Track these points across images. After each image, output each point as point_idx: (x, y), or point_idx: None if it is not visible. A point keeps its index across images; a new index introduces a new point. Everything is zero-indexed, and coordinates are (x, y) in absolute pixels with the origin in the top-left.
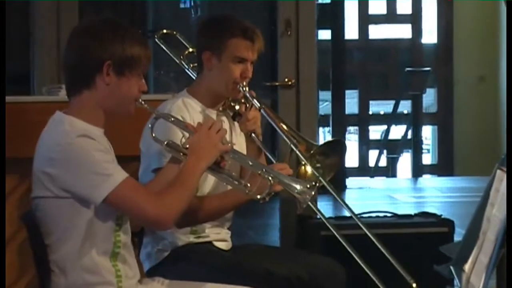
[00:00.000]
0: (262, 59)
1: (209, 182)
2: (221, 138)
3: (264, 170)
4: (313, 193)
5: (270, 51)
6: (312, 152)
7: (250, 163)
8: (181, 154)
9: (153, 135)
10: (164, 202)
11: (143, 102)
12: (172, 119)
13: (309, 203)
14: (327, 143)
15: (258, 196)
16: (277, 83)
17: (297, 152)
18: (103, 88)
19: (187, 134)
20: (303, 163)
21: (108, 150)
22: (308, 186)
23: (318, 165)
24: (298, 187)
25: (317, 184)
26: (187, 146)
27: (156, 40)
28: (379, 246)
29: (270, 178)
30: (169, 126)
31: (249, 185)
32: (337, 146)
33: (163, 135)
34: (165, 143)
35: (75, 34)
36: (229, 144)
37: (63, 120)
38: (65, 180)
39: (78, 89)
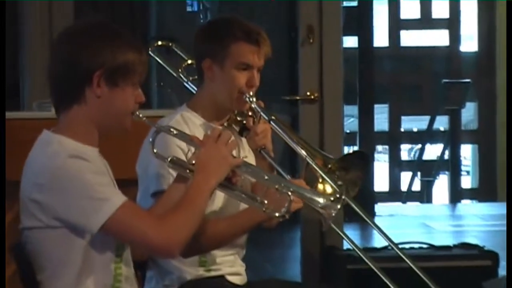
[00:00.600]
0: (280, 70)
1: (218, 200)
2: (231, 150)
3: (282, 184)
4: (338, 206)
5: (289, 61)
6: (330, 166)
7: (266, 177)
8: (188, 171)
9: (155, 151)
10: (169, 227)
11: (140, 115)
12: (175, 132)
13: (336, 228)
14: (346, 156)
15: (277, 214)
16: (298, 97)
17: (314, 165)
18: (94, 101)
19: (192, 149)
20: (321, 179)
21: (104, 171)
22: (333, 199)
23: (339, 182)
24: (321, 200)
25: (343, 197)
26: (193, 162)
27: (150, 53)
28: (429, 283)
29: (289, 192)
30: (172, 141)
31: (266, 202)
32: (359, 159)
33: (165, 151)
34: (169, 159)
35: (59, 42)
36: (241, 157)
37: (51, 140)
38: (56, 208)
39: (67, 104)
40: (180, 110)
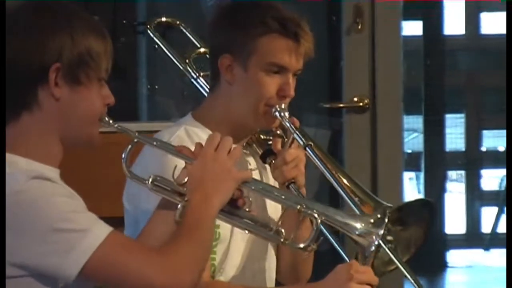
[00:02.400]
0: (318, 67)
1: (237, 248)
2: (236, 160)
3: (304, 205)
4: (381, 232)
5: (330, 55)
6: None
7: (283, 197)
8: (177, 194)
9: (128, 170)
10: (175, 261)
11: (110, 121)
12: (156, 142)
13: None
14: (406, 205)
15: (301, 245)
16: (341, 105)
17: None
18: (52, 105)
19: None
20: None
21: (74, 194)
22: (373, 221)
23: (390, 237)
24: (358, 225)
25: (387, 218)
26: (185, 180)
27: (149, 32)
28: None
29: (315, 215)
30: (155, 155)
31: (283, 230)
32: (422, 211)
33: (145, 169)
34: (149, 180)
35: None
36: (249, 168)
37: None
38: (16, 250)
39: (14, 112)
40: (183, 122)
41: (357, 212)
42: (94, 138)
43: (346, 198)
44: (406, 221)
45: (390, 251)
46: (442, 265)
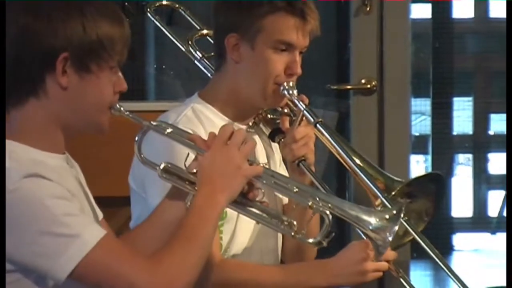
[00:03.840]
0: (325, 49)
1: (245, 229)
2: (246, 155)
3: (317, 198)
4: (396, 228)
5: (338, 37)
6: (394, 193)
7: (295, 189)
8: (187, 182)
9: (141, 156)
10: (166, 269)
11: (122, 109)
12: (169, 130)
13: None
14: (416, 179)
15: (311, 240)
16: (349, 87)
17: (375, 190)
18: (59, 94)
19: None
20: (379, 208)
21: (70, 196)
22: (388, 216)
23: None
24: (373, 220)
25: (402, 214)
26: (195, 170)
27: (149, 14)
28: None
29: (327, 211)
30: (166, 142)
31: (295, 223)
32: (431, 184)
33: (156, 155)
34: (161, 167)
35: (10, 11)
36: (260, 164)
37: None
38: (7, 248)
39: (21, 97)
40: (190, 102)
41: (374, 189)
42: (103, 126)
43: (359, 173)
44: (416, 194)
45: (408, 224)
46: (448, 248)
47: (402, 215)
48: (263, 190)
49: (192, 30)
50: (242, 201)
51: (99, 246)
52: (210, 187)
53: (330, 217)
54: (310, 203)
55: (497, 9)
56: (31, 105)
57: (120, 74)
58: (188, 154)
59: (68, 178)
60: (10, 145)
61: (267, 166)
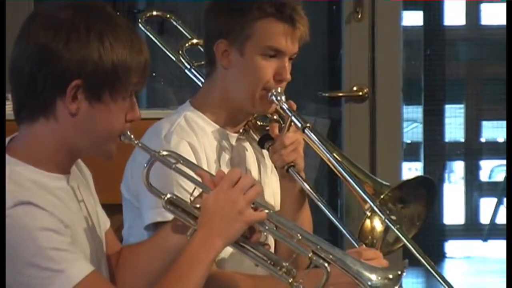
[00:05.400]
0: (317, 56)
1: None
2: (251, 200)
3: (318, 247)
4: None
5: (329, 44)
6: (382, 196)
7: (299, 236)
8: (190, 216)
9: (149, 184)
10: None
11: (132, 137)
12: (176, 162)
13: None
14: (405, 183)
15: None
16: (340, 94)
17: (363, 194)
18: (67, 119)
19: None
20: (368, 213)
21: (63, 227)
22: (391, 276)
23: (393, 217)
24: (373, 277)
25: (403, 273)
26: (199, 205)
27: (140, 25)
28: None
29: (326, 264)
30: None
31: (294, 270)
32: (421, 188)
33: (160, 183)
34: (166, 198)
35: (31, 27)
36: (266, 210)
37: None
38: None
39: (31, 114)
40: (182, 110)
41: (362, 194)
42: (111, 153)
43: (348, 177)
44: (407, 199)
45: (399, 232)
46: (440, 256)
47: (403, 274)
48: (265, 234)
49: (183, 39)
50: (244, 243)
51: (83, 283)
52: (209, 229)
53: (329, 269)
54: (310, 255)
55: (488, 17)
56: (40, 125)
57: (134, 101)
58: (195, 188)
59: (66, 202)
60: (13, 164)
61: (272, 211)
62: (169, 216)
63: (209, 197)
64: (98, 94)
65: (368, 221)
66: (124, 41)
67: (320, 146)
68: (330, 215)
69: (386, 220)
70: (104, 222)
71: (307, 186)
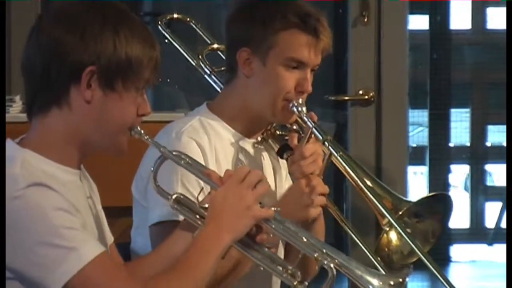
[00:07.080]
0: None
1: None
2: (259, 196)
3: (324, 251)
4: None
5: (336, 47)
6: (401, 212)
7: (304, 239)
8: (197, 216)
9: (156, 184)
10: None
11: (142, 132)
12: (186, 160)
13: None
14: (424, 200)
15: None
16: (346, 98)
17: (382, 210)
18: (81, 107)
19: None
20: (387, 228)
21: (74, 210)
22: (393, 283)
23: (408, 230)
24: (375, 282)
25: (407, 280)
26: (207, 205)
27: (160, 27)
28: None
29: (331, 265)
30: (181, 171)
31: (299, 273)
32: (438, 205)
33: (169, 184)
34: (173, 197)
35: (44, 22)
36: (273, 208)
37: (14, 156)
38: (7, 253)
39: (44, 105)
40: (197, 113)
41: (380, 207)
42: (122, 147)
43: (367, 192)
44: (423, 214)
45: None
46: (445, 260)
47: (406, 281)
48: (271, 235)
49: (191, 41)
50: (249, 243)
51: (94, 262)
52: (217, 223)
53: (335, 271)
54: (316, 255)
55: (494, 21)
56: (53, 115)
57: (146, 98)
58: (202, 188)
59: (76, 194)
60: (24, 154)
61: (278, 210)
62: (175, 216)
63: (217, 193)
64: (112, 82)
65: (385, 236)
66: (138, 35)
67: (340, 159)
68: (350, 231)
69: (399, 229)
70: (110, 237)
71: (330, 204)
